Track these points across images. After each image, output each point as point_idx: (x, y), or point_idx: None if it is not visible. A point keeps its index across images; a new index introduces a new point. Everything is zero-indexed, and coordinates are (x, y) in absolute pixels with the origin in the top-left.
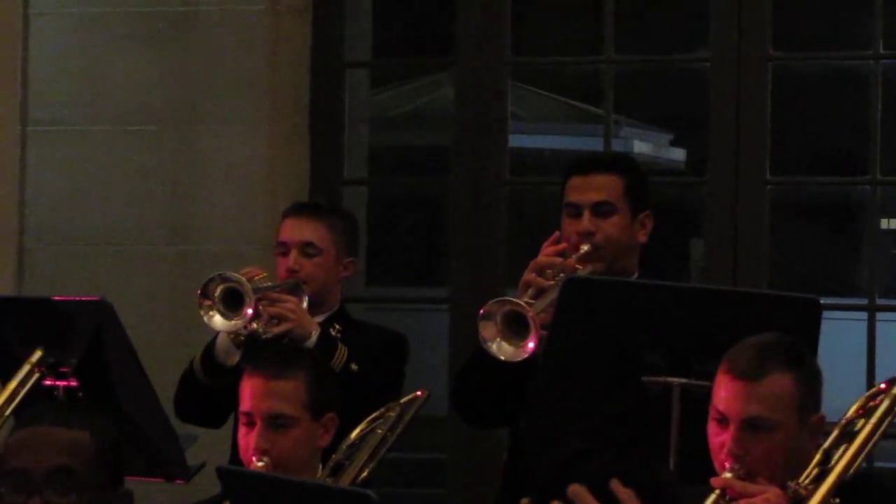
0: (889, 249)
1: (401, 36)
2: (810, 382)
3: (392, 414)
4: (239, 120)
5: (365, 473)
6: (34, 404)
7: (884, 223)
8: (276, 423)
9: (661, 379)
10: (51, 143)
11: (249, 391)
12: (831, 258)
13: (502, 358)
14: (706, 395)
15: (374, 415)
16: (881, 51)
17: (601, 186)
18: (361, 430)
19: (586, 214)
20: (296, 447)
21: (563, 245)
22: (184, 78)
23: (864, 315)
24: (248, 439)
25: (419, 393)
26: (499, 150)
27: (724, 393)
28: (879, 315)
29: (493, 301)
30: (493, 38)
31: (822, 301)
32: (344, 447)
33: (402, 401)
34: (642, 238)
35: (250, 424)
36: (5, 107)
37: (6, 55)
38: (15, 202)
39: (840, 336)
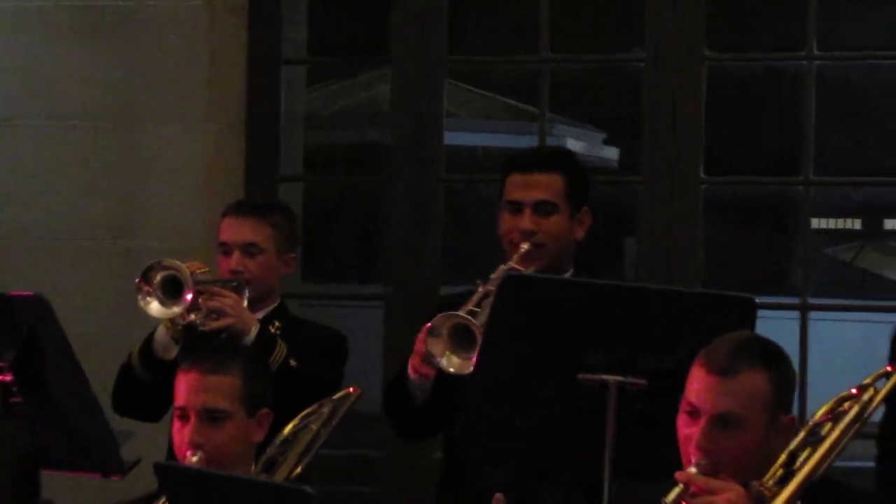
0: (821, 249)
1: (337, 33)
2: (784, 383)
3: (325, 410)
4: (178, 117)
5: (299, 469)
6: None
7: (815, 223)
8: (210, 417)
9: (597, 377)
10: None
11: (185, 386)
12: (764, 257)
13: (452, 371)
14: (643, 394)
15: (307, 410)
16: (815, 52)
17: (543, 185)
18: (295, 426)
19: (527, 213)
20: (230, 442)
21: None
22: (123, 74)
23: (796, 314)
24: (182, 434)
25: (352, 389)
26: (435, 147)
27: (697, 386)
28: (812, 314)
29: (439, 316)
30: (429, 36)
31: (756, 300)
32: (277, 442)
33: (335, 397)
34: (580, 235)
35: (184, 418)
36: None
37: None
38: None
39: (773, 335)
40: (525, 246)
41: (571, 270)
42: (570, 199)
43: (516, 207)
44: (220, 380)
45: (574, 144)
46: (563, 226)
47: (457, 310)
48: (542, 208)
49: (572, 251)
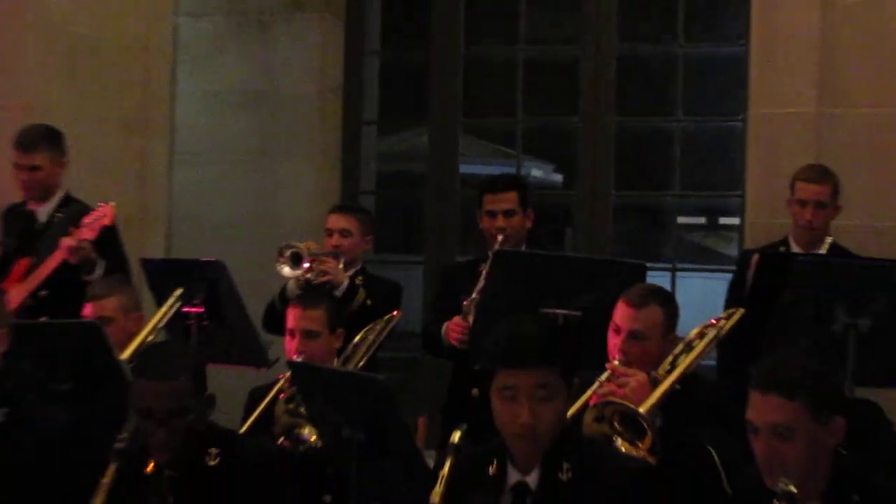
0: (683, 235)
1: (394, 100)
2: (672, 315)
3: (378, 327)
4: (302, 155)
5: (363, 363)
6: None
7: (680, 220)
8: (307, 334)
9: (551, 310)
10: None
11: (293, 315)
12: (651, 241)
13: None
14: (578, 320)
15: (368, 327)
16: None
17: (507, 199)
18: (362, 337)
19: (499, 217)
20: (320, 350)
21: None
22: (264, 132)
23: (669, 274)
24: (291, 344)
25: (395, 312)
26: (453, 173)
27: (620, 313)
28: (678, 274)
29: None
30: (451, 104)
31: (646, 265)
32: (350, 348)
33: (385, 318)
34: (529, 226)
35: (292, 335)
36: None
37: None
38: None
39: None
40: (500, 237)
41: (524, 246)
42: (522, 205)
43: (492, 214)
44: (313, 312)
45: (536, 172)
46: (520, 222)
47: (465, 276)
48: (508, 213)
49: (524, 236)
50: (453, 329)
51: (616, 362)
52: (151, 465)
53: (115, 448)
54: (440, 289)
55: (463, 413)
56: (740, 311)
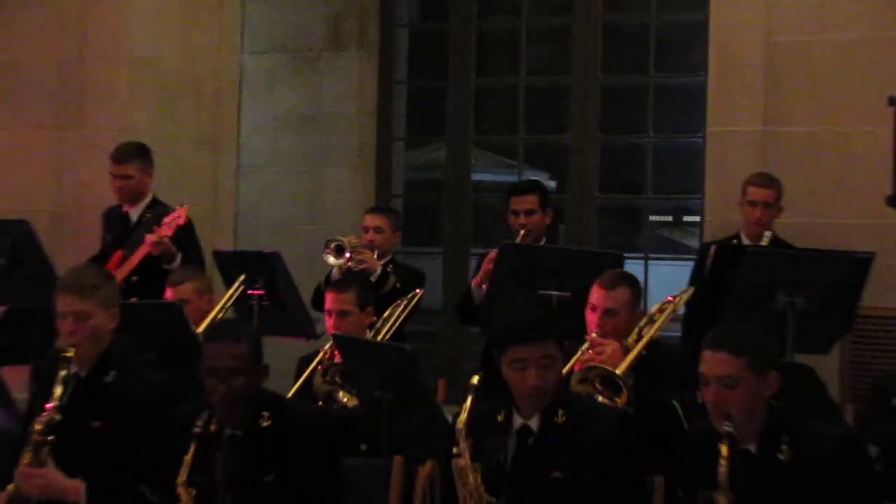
0: (653, 230)
1: (417, 119)
2: (638, 295)
3: (403, 303)
4: (343, 164)
5: (390, 334)
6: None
7: (652, 217)
8: (341, 314)
9: (548, 292)
10: None
11: (328, 299)
12: (628, 235)
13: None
14: (568, 301)
15: (395, 303)
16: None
17: (528, 201)
18: (389, 313)
19: (521, 215)
20: (352, 326)
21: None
22: (313, 145)
23: (643, 262)
24: (329, 322)
25: (417, 291)
26: (466, 180)
27: (595, 294)
28: (650, 263)
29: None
30: (463, 121)
31: (623, 255)
32: (379, 322)
33: (409, 296)
34: (547, 221)
35: (329, 314)
36: None
37: None
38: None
39: (632, 271)
40: (522, 232)
41: (543, 239)
42: (542, 206)
43: (516, 213)
44: (345, 295)
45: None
46: (539, 220)
47: None
48: (530, 213)
49: (544, 231)
50: (485, 263)
51: (594, 335)
52: (215, 426)
53: (193, 432)
54: (475, 273)
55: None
56: (690, 290)
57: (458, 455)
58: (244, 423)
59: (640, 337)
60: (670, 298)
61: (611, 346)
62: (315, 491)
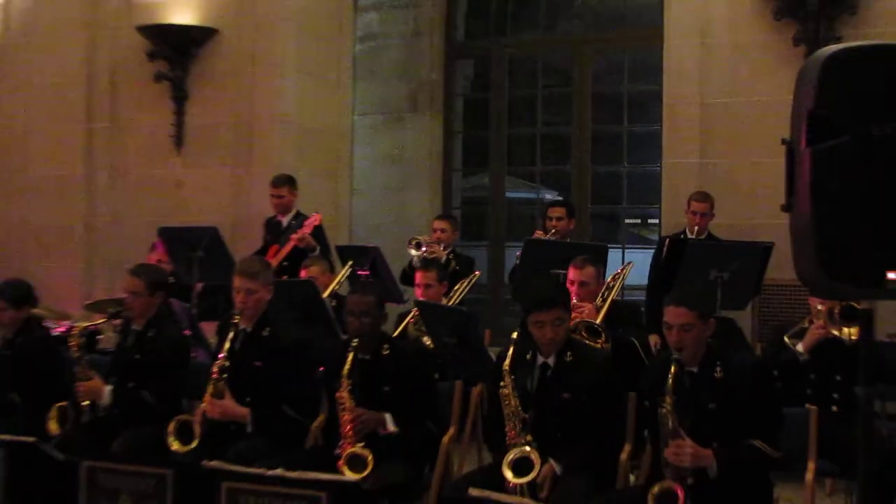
0: (629, 230)
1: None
2: (601, 271)
3: (465, 283)
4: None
5: (457, 301)
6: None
7: (628, 220)
8: (427, 286)
9: (556, 271)
10: None
11: (418, 276)
12: (612, 233)
13: None
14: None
15: (460, 282)
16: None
17: (559, 212)
18: (457, 287)
19: (553, 220)
20: (434, 293)
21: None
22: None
23: (620, 251)
24: (418, 291)
25: (476, 273)
26: (502, 197)
27: (572, 273)
28: (627, 251)
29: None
30: (495, 154)
31: (607, 246)
32: (452, 292)
33: (469, 277)
34: (571, 227)
35: (418, 287)
36: None
37: None
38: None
39: (614, 259)
40: (553, 231)
41: (568, 238)
42: (568, 215)
43: (549, 219)
44: (429, 273)
45: (548, 195)
46: (565, 225)
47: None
48: (559, 219)
49: (569, 233)
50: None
51: (574, 300)
52: (351, 354)
53: (347, 355)
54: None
55: None
56: (630, 265)
57: (504, 386)
58: (371, 351)
59: (604, 300)
60: (618, 272)
61: (588, 307)
62: (417, 398)
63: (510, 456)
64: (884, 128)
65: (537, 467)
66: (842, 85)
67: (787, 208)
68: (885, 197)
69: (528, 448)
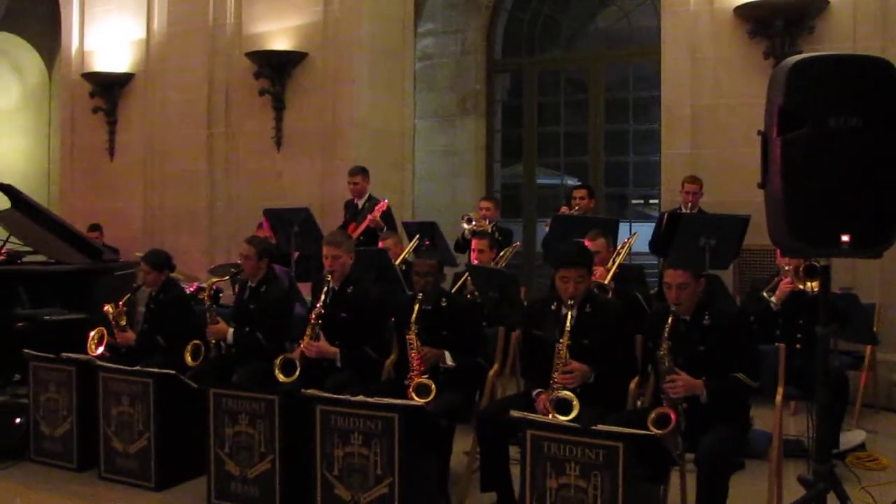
0: (634, 208)
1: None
2: (612, 241)
3: (510, 249)
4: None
5: (502, 265)
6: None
7: (634, 202)
8: (480, 251)
9: (579, 240)
10: None
11: (474, 243)
12: (619, 210)
13: None
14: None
15: (504, 249)
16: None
17: (582, 193)
18: (502, 254)
19: (577, 199)
20: (486, 258)
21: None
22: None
23: (628, 226)
24: (473, 256)
25: (517, 244)
26: (533, 184)
27: (586, 243)
28: (633, 224)
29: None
30: (528, 151)
31: (617, 220)
32: (497, 257)
33: (512, 246)
34: (592, 205)
35: (473, 251)
36: None
37: None
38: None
39: (622, 232)
40: (577, 208)
41: (590, 214)
42: (590, 196)
43: (574, 198)
44: (482, 241)
45: (570, 181)
46: (587, 204)
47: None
48: (582, 198)
49: (591, 210)
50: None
51: None
52: (417, 305)
53: (410, 304)
54: None
55: None
56: (636, 235)
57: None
58: (433, 303)
59: (613, 263)
60: (626, 241)
61: (598, 270)
62: (470, 339)
63: (554, 396)
64: (839, 120)
65: (576, 409)
66: (805, 86)
67: (762, 185)
68: (840, 175)
69: (570, 393)
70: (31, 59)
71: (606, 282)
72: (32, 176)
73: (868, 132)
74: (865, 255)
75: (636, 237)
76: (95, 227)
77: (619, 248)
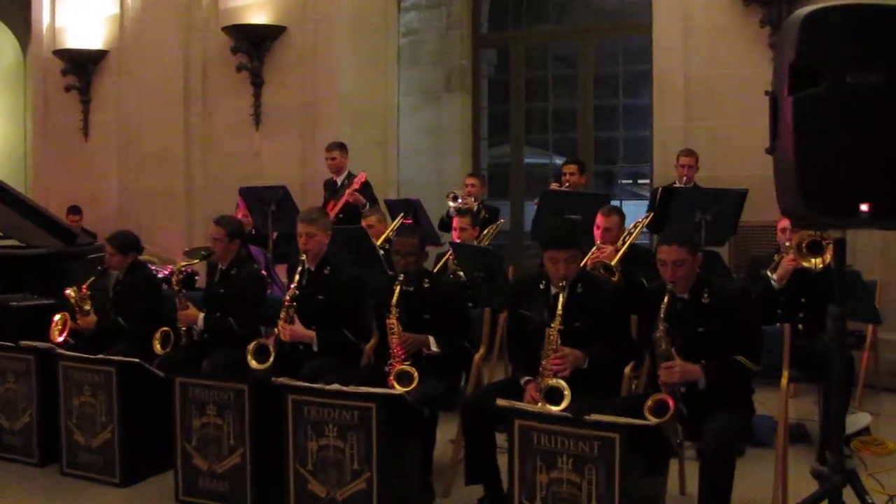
0: (622, 186)
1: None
2: (623, 220)
3: (493, 227)
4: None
5: (485, 244)
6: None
7: (623, 181)
8: (462, 229)
9: (570, 216)
10: None
11: (455, 222)
12: (608, 186)
13: None
14: (581, 222)
15: (487, 227)
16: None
17: (572, 168)
18: (486, 231)
19: (567, 175)
20: (468, 236)
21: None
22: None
23: (619, 202)
24: (454, 234)
25: (502, 220)
26: (520, 163)
27: (599, 218)
28: (625, 204)
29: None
30: (515, 131)
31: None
32: (481, 235)
33: (496, 223)
34: (583, 181)
35: (455, 230)
36: None
37: None
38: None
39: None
40: (567, 184)
41: (581, 189)
42: (580, 172)
43: (564, 174)
44: (464, 219)
45: (558, 160)
46: (578, 180)
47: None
48: (572, 174)
49: (581, 185)
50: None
51: (599, 242)
52: (398, 287)
53: (393, 287)
54: None
55: None
56: (651, 215)
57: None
58: (414, 284)
59: (623, 243)
60: (639, 221)
61: (609, 249)
62: (455, 322)
63: (544, 384)
64: (858, 76)
65: (567, 399)
66: (820, 39)
67: (770, 151)
68: (859, 137)
69: (561, 382)
70: (4, 38)
71: (614, 263)
72: (9, 158)
73: (890, 89)
74: (887, 227)
75: (648, 220)
76: (75, 210)
77: (629, 229)
